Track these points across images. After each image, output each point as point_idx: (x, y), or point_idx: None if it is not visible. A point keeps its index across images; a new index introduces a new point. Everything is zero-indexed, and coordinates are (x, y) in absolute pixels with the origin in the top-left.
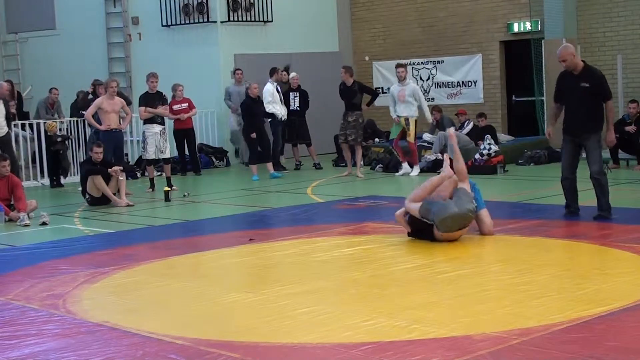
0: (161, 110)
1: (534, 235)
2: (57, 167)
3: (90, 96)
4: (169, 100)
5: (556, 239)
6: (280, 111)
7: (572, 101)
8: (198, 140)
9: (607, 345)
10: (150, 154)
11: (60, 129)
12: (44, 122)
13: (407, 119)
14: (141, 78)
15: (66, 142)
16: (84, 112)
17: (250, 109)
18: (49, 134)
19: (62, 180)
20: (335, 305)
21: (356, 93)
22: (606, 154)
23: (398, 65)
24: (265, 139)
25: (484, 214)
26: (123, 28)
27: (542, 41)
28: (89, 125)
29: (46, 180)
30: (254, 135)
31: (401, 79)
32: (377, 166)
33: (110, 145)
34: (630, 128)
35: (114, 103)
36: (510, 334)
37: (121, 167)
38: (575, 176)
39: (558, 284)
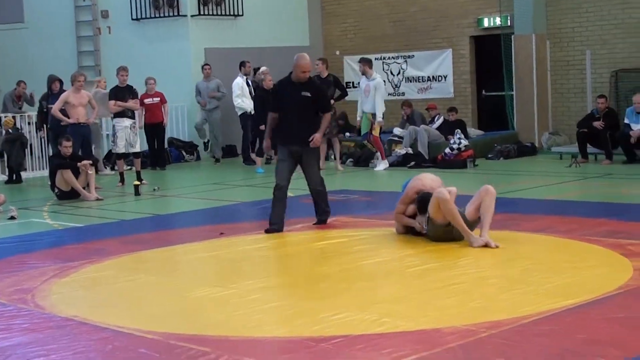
0: (131, 103)
1: (504, 229)
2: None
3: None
4: (140, 94)
5: (525, 232)
6: (250, 105)
7: (292, 111)
8: (168, 134)
9: (576, 338)
10: (120, 148)
11: (29, 122)
12: (4, 117)
13: (373, 115)
14: (111, 72)
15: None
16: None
17: (265, 101)
18: (6, 129)
19: (23, 176)
20: (305, 299)
21: (330, 84)
22: (574, 148)
23: (359, 60)
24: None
25: None
26: (92, 21)
27: (512, 36)
28: (55, 119)
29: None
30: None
31: (362, 73)
32: (348, 160)
33: (78, 139)
34: (598, 124)
35: (80, 97)
36: (479, 327)
37: (90, 161)
38: (287, 187)
39: (527, 277)
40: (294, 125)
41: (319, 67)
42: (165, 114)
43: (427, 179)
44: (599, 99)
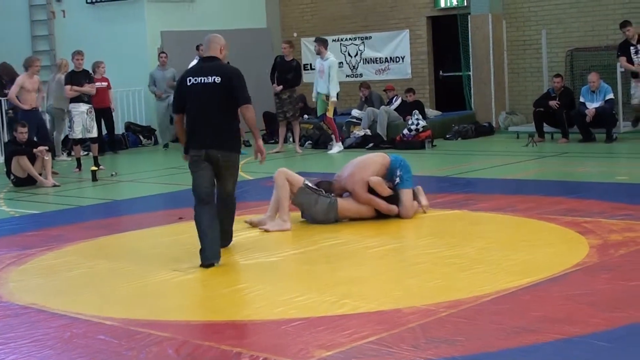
0: (88, 88)
1: (462, 209)
2: None
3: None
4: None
5: (483, 212)
6: None
7: (204, 106)
8: (125, 119)
9: (533, 315)
10: (77, 134)
11: None
12: None
13: (327, 96)
14: (66, 56)
15: None
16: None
17: None
18: None
19: None
20: (265, 282)
21: (292, 69)
22: (531, 127)
23: (315, 40)
24: None
25: (406, 194)
26: (46, 5)
27: (469, 16)
28: (11, 105)
29: None
30: None
31: (317, 54)
32: (307, 143)
33: (32, 124)
34: (554, 103)
35: (34, 82)
36: (439, 306)
37: (46, 147)
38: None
39: (486, 256)
40: (208, 124)
41: (287, 50)
42: (110, 99)
43: (348, 165)
44: (555, 78)
